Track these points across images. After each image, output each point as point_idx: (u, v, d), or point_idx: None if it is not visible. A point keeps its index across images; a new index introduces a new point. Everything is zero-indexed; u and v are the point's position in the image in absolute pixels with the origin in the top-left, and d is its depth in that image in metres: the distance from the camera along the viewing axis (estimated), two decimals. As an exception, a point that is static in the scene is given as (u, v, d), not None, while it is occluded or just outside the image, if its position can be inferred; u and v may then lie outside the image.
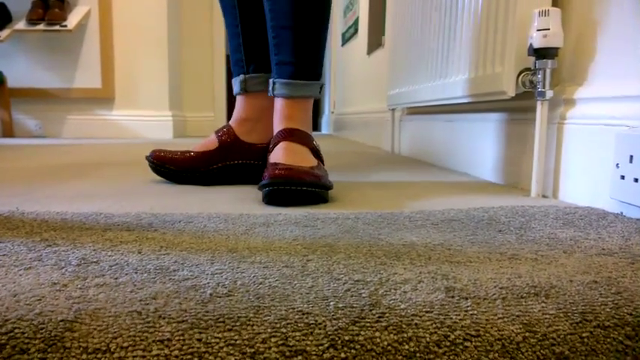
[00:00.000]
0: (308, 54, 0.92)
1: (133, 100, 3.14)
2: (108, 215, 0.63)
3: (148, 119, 3.15)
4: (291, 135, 0.87)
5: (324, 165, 0.89)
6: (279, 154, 0.84)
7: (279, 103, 0.92)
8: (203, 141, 1.01)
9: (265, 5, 0.92)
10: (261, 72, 1.02)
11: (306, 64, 0.92)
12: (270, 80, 0.94)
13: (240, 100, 1.04)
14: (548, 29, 0.78)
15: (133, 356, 0.29)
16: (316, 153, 0.88)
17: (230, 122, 1.03)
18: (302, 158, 0.84)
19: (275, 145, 0.87)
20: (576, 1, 0.81)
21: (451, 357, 0.30)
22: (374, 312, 0.33)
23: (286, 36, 0.90)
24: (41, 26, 2.84)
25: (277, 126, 0.91)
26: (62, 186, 0.93)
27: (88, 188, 0.91)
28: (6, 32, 2.83)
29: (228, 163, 0.98)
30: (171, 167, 0.97)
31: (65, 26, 2.83)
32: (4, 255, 0.45)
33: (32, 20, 2.85)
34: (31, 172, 1.16)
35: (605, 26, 0.75)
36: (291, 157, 0.82)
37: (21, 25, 2.87)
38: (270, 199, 0.76)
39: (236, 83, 1.05)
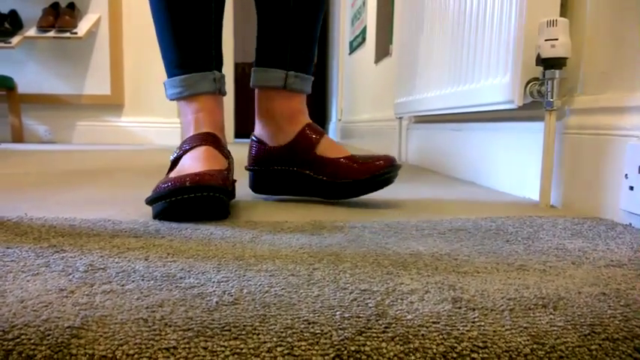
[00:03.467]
0: (313, 46, 0.90)
1: (142, 106, 3.16)
2: (116, 222, 0.64)
3: (156, 125, 3.17)
4: (321, 132, 0.86)
5: None
6: (334, 148, 0.84)
7: (291, 99, 0.87)
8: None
9: None
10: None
11: (312, 58, 0.90)
12: (286, 73, 0.86)
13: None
14: (557, 39, 0.77)
15: (139, 364, 0.29)
16: None
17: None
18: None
19: (318, 139, 0.85)
20: (585, 12, 0.81)
21: (458, 369, 0.30)
22: (380, 322, 0.33)
23: (310, 27, 0.88)
24: (52, 33, 2.87)
25: (299, 122, 0.86)
26: (71, 192, 0.94)
27: (97, 194, 0.91)
28: (17, 39, 2.86)
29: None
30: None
31: (75, 33, 2.86)
32: (12, 261, 0.45)
33: (43, 27, 2.88)
34: (40, 177, 1.17)
35: (614, 36, 0.74)
36: (344, 152, 0.83)
37: (32, 31, 2.90)
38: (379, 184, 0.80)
39: (204, 82, 0.83)
